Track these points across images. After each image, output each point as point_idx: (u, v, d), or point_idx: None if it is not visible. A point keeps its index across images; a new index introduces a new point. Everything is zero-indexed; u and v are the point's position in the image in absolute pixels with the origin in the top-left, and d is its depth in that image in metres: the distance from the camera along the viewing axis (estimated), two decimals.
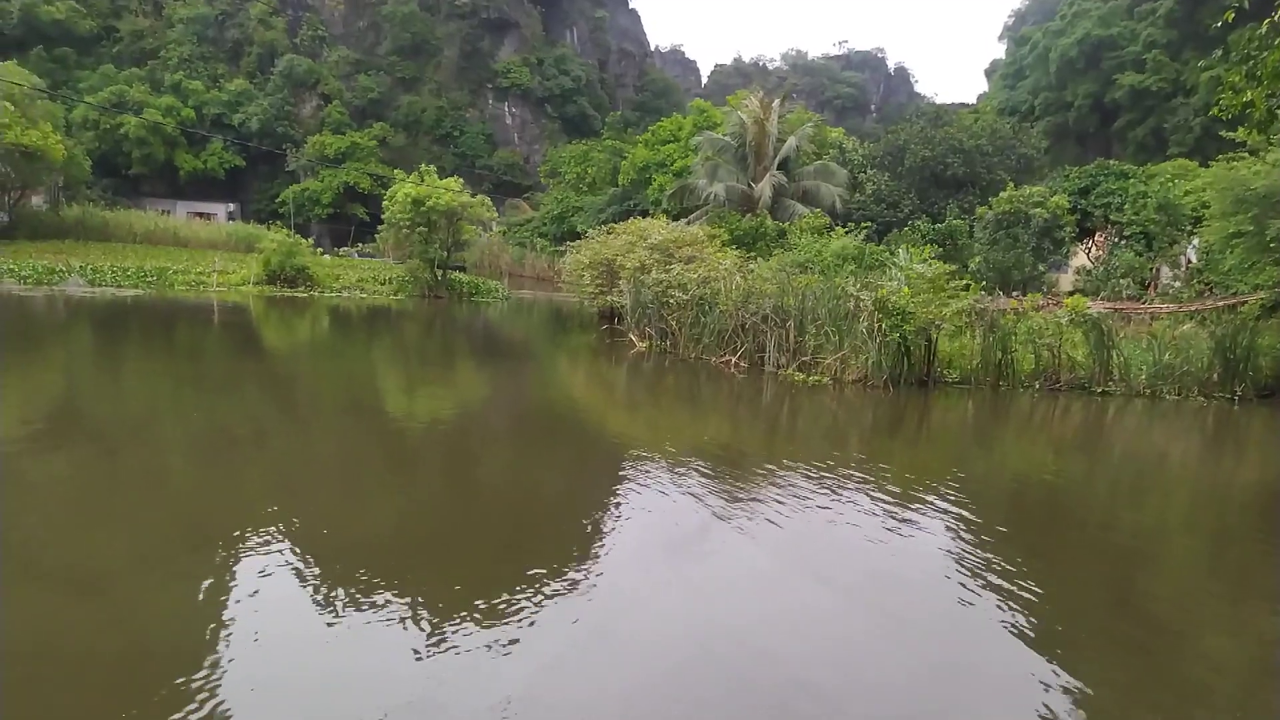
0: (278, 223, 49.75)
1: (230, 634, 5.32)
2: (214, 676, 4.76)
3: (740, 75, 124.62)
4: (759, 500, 8.67)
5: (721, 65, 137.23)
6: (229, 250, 45.90)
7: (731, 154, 40.66)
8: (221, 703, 4.48)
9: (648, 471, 9.75)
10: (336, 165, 67.58)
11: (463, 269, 43.05)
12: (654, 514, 8.20)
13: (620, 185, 54.48)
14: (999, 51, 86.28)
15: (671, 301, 21.69)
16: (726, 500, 8.63)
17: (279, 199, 68.69)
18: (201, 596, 5.86)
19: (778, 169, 38.85)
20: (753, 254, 27.60)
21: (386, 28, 77.12)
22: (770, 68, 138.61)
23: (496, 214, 47.69)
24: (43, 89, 50.26)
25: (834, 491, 9.06)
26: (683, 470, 9.80)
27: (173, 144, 66.06)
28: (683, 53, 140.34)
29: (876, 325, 16.80)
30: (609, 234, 29.25)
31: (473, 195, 37.05)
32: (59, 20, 67.22)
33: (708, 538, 7.56)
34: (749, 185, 38.87)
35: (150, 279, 32.86)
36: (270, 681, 4.82)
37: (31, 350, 17.82)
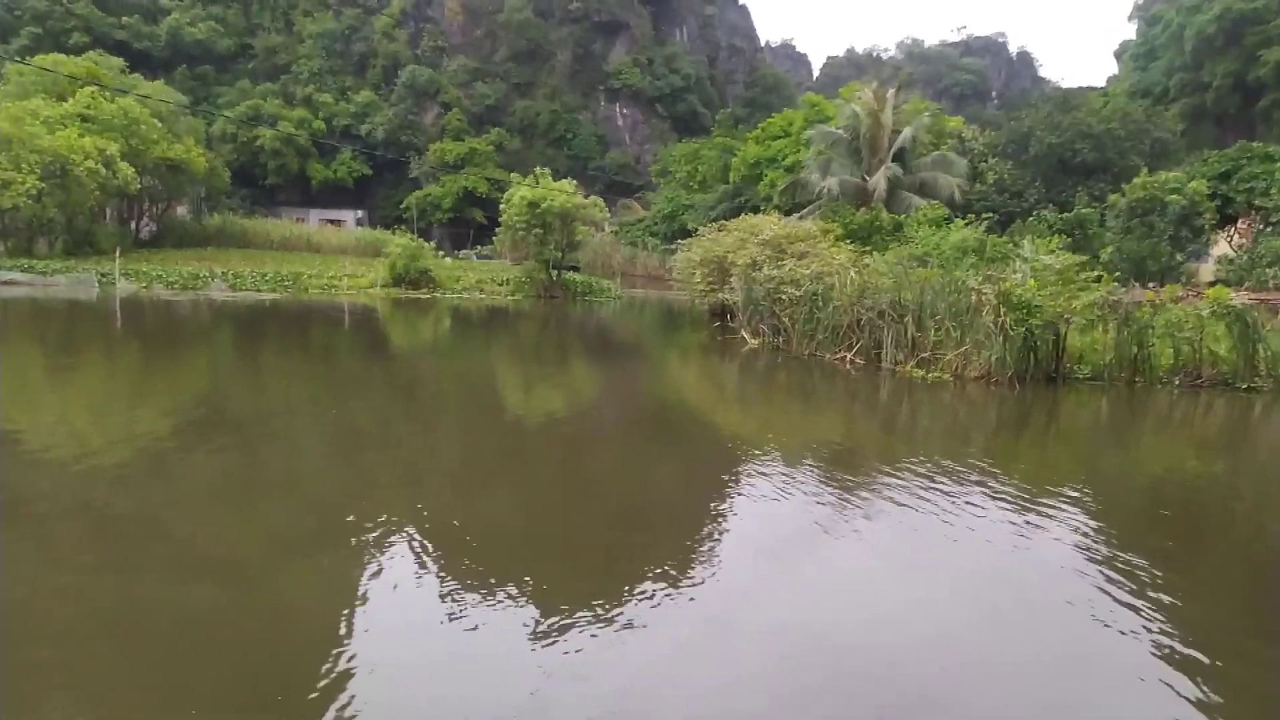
0: (402, 227, 51.72)
1: (357, 620, 5.60)
2: (340, 660, 5.03)
3: (853, 67, 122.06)
4: (874, 499, 8.52)
5: (834, 58, 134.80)
6: (358, 255, 48.04)
7: (845, 147, 39.91)
8: (347, 686, 4.72)
9: (760, 469, 9.72)
10: (456, 170, 69.78)
11: (576, 269, 43.78)
12: (766, 512, 8.18)
13: (731, 182, 54.22)
14: (1129, 32, 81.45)
15: (784, 298, 21.48)
16: (840, 499, 8.52)
17: (403, 205, 71.38)
18: (332, 583, 6.19)
19: (893, 161, 37.89)
20: (868, 248, 27.03)
21: (503, 35, 79.06)
22: (884, 58, 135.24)
23: (609, 214, 48.24)
24: (186, 105, 53.82)
25: (953, 492, 8.81)
26: (796, 468, 9.73)
27: (305, 155, 69.61)
28: (793, 47, 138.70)
29: (1001, 320, 16.19)
30: (720, 231, 29.18)
31: (586, 196, 37.63)
32: (201, 40, 71.84)
33: (821, 536, 7.48)
34: (863, 178, 38.06)
35: (286, 283, 34.73)
36: (393, 667, 5.05)
37: (179, 351, 19.17)
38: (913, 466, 9.81)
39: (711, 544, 7.30)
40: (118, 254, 35.94)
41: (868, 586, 6.50)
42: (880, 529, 7.64)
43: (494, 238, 43.14)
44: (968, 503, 8.42)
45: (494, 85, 78.31)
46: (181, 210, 52.91)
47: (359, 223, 69.03)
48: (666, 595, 6.05)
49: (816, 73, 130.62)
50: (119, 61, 51.74)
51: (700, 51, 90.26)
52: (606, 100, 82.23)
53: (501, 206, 37.09)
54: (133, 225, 47.49)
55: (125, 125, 40.96)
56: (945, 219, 31.61)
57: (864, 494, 8.75)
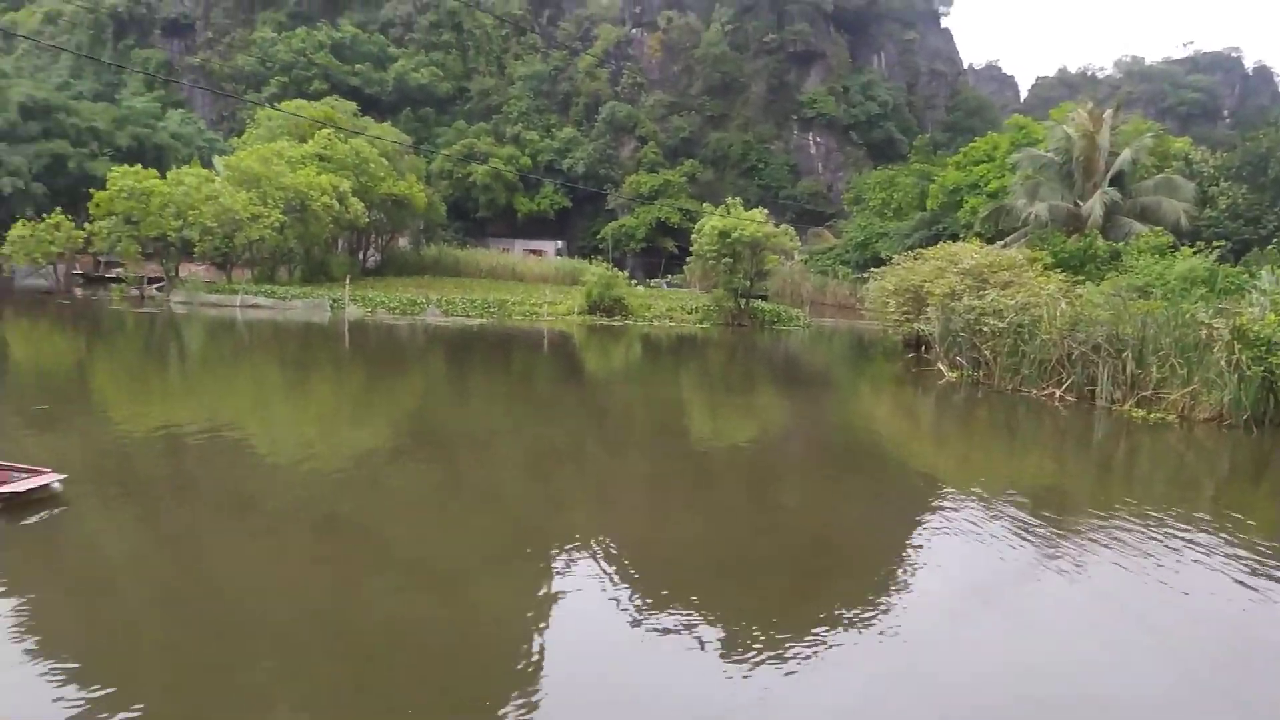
0: (598, 257, 53.67)
1: (546, 631, 5.86)
2: (530, 669, 5.27)
3: (1065, 87, 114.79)
4: (1084, 547, 7.96)
5: (1043, 78, 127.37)
6: (557, 283, 50.17)
7: (1055, 171, 37.58)
8: (535, 695, 4.94)
9: (958, 510, 9.31)
10: (650, 202, 71.53)
11: (765, 297, 43.60)
12: (964, 554, 7.83)
13: (928, 209, 52.36)
14: None
15: (985, 329, 20.47)
16: (1047, 544, 8.02)
17: (599, 235, 73.93)
18: (525, 595, 6.51)
19: (1110, 185, 35.25)
20: (1080, 277, 25.26)
21: (698, 69, 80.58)
22: (1100, 76, 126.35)
23: (799, 243, 47.83)
24: (410, 145, 58.37)
25: (1175, 543, 8.08)
26: (998, 510, 9.25)
27: (512, 189, 73.66)
28: (999, 68, 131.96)
29: (1235, 357, 14.69)
30: (916, 259, 28.24)
31: (776, 225, 37.52)
32: (423, 84, 77.86)
33: (1024, 581, 7.08)
34: (1075, 204, 35.66)
35: (492, 309, 36.80)
36: (578, 680, 5.24)
37: (397, 370, 20.77)
38: (1131, 514, 9.09)
39: (904, 582, 7.07)
40: (347, 281, 39.41)
41: (1071, 639, 6.08)
42: (1088, 578, 7.13)
43: (684, 267, 43.79)
44: (1193, 557, 7.70)
45: (689, 118, 79.87)
46: (403, 241, 57.30)
47: (559, 253, 72.09)
48: (857, 633, 5.93)
49: (1024, 94, 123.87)
50: (352, 106, 56.97)
51: (899, 77, 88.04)
52: (799, 129, 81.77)
53: (693, 236, 37.63)
54: (360, 255, 52.00)
55: (356, 164, 45.02)
56: (1170, 247, 29.06)
57: (1072, 540, 8.19)
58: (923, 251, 28.97)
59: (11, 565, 6.62)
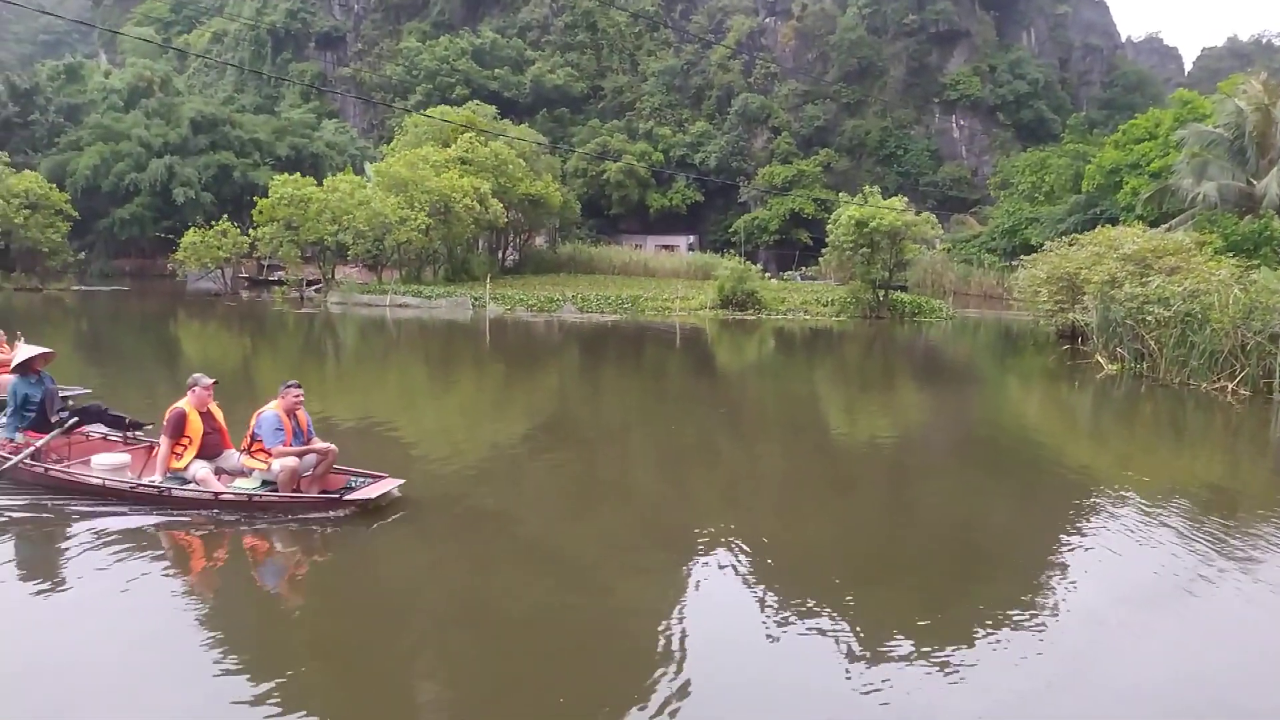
0: (730, 251, 53.30)
1: (679, 628, 5.84)
2: (670, 661, 5.27)
3: (1235, 58, 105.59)
4: (1259, 552, 7.30)
5: (1210, 49, 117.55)
6: (688, 278, 50.27)
7: (1225, 148, 34.65)
8: (677, 686, 4.93)
9: (1118, 512, 8.72)
10: (784, 193, 70.58)
11: (904, 288, 42.24)
12: (1125, 558, 7.32)
13: (1083, 192, 49.44)
14: None
15: (1149, 319, 19.12)
16: (1217, 549, 7.39)
17: (731, 229, 73.51)
18: (661, 588, 6.52)
19: None
20: (1254, 262, 23.23)
21: (834, 56, 78.81)
22: (1278, 44, 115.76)
23: (941, 231, 46.08)
24: (546, 146, 59.77)
25: None
26: (1162, 513, 8.61)
27: (645, 185, 74.23)
28: (1160, 40, 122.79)
29: None
30: (1070, 245, 26.73)
31: (916, 213, 36.29)
32: (559, 85, 79.56)
33: (1192, 589, 6.56)
34: (1248, 183, 32.79)
35: (625, 305, 37.22)
36: (717, 674, 5.20)
37: (536, 366, 21.32)
38: None
39: (1058, 587, 6.66)
40: (488, 280, 40.77)
41: (1247, 650, 5.58)
42: (1264, 586, 6.53)
43: (819, 258, 42.96)
44: None
45: (823, 106, 78.25)
46: (539, 240, 58.79)
47: (690, 248, 72.17)
48: (1008, 639, 5.64)
49: (1189, 67, 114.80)
50: (492, 109, 58.84)
51: (1050, 54, 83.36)
52: (941, 113, 78.75)
53: (828, 227, 36.86)
54: (500, 254, 53.67)
55: (496, 166, 46.45)
56: None
57: (1245, 545, 7.53)
58: (1078, 237, 27.47)
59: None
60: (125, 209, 50.49)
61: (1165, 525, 8.09)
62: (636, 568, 7.01)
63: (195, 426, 7.86)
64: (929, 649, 5.40)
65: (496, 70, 78.71)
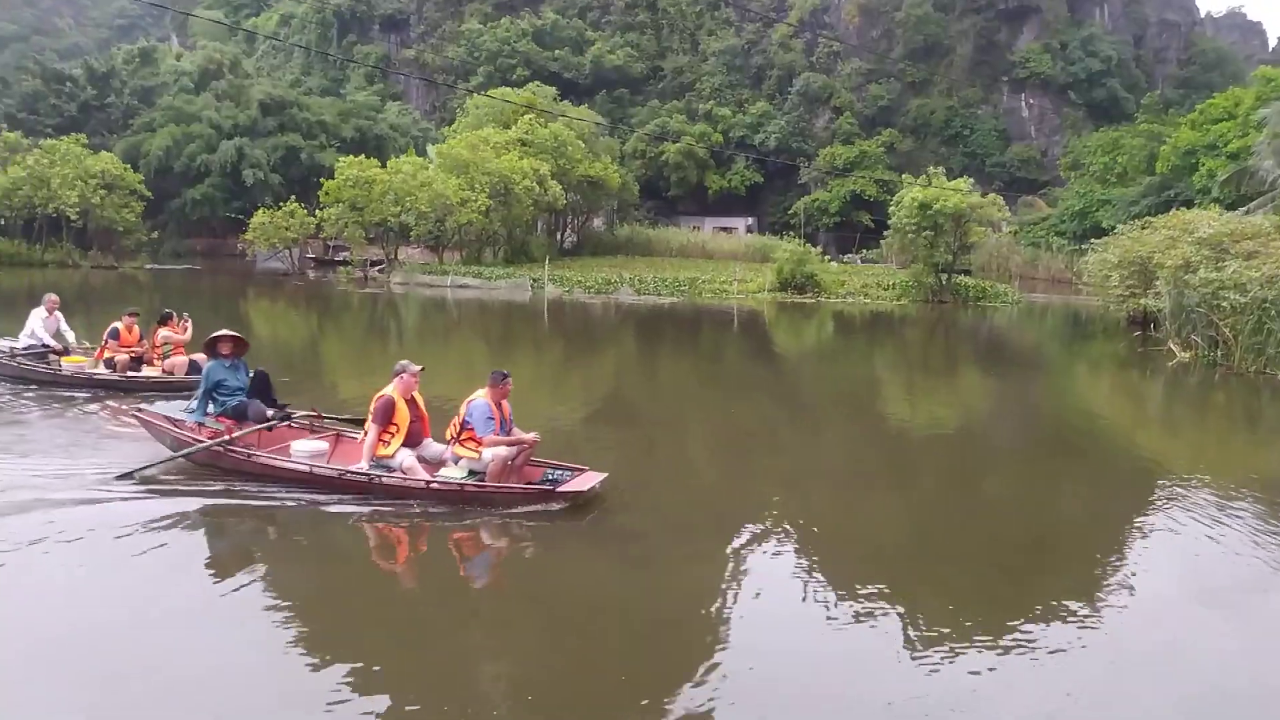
0: (789, 233, 52.74)
1: (741, 610, 5.87)
2: (718, 649, 5.29)
3: None
4: None
5: None
6: (747, 260, 49.89)
7: None
8: (722, 675, 4.94)
9: (1188, 505, 8.46)
10: (845, 174, 69.51)
11: (969, 272, 41.37)
12: (1197, 553, 7.11)
13: (1158, 174, 47.78)
14: None
15: (1225, 305, 18.45)
16: None
17: (790, 211, 72.69)
18: (718, 573, 6.54)
19: None
20: None
21: (899, 34, 77.18)
22: None
23: (1008, 213, 44.99)
24: (605, 127, 59.73)
25: None
26: (1236, 507, 8.33)
27: (703, 166, 73.74)
28: (1243, 15, 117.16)
29: None
30: (1143, 229, 25.90)
31: (983, 195, 35.47)
32: (618, 66, 79.38)
33: (1269, 588, 6.35)
34: None
35: (683, 288, 37.14)
36: (774, 661, 5.20)
37: (593, 347, 21.44)
38: None
39: (1126, 582, 6.50)
40: (546, 262, 41.02)
41: None
42: None
43: (881, 241, 42.30)
44: None
45: (887, 85, 76.74)
46: (597, 222, 58.86)
47: (748, 229, 71.59)
48: (1070, 632, 5.53)
49: (1273, 43, 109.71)
50: (552, 90, 58.94)
51: (1124, 30, 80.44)
52: (1010, 91, 76.62)
53: (890, 209, 36.25)
54: (558, 236, 53.89)
55: (555, 147, 46.58)
56: None
57: None
58: (1151, 220, 26.61)
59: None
60: (196, 189, 51.85)
61: (1239, 521, 7.84)
62: (693, 551, 7.01)
63: (402, 414, 7.71)
64: (992, 642, 5.33)
65: (557, 51, 78.80)
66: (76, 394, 11.61)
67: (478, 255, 44.15)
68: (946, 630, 5.48)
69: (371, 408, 7.70)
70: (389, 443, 7.65)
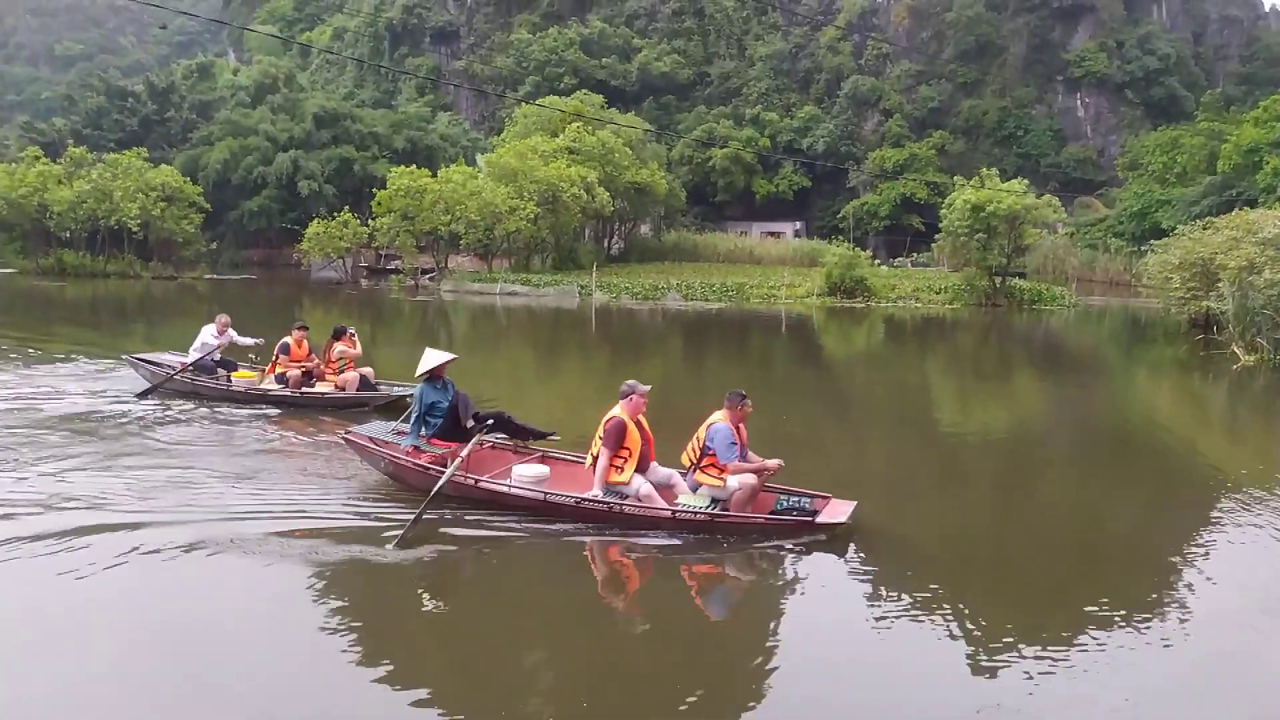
0: (838, 237, 52.40)
1: (784, 612, 5.85)
2: (772, 650, 5.28)
3: None
4: None
5: None
6: (795, 265, 49.61)
7: None
8: (777, 676, 4.93)
9: (1253, 513, 8.20)
10: (895, 178, 68.78)
11: (1023, 275, 40.65)
12: (1263, 563, 6.91)
13: (1219, 173, 46.48)
14: None
15: None
16: None
17: (839, 215, 72.10)
18: (771, 576, 6.52)
19: None
20: None
21: (950, 34, 76.22)
22: None
23: (1064, 214, 44.10)
24: (652, 133, 59.86)
25: None
26: None
27: (751, 171, 73.51)
28: None
29: None
30: (1205, 229, 25.23)
31: (1037, 196, 34.84)
32: (665, 72, 79.61)
33: None
34: None
35: (730, 293, 37.06)
36: (832, 663, 5.18)
37: (641, 353, 21.47)
38: None
39: (1189, 591, 6.32)
40: (594, 268, 41.23)
41: None
42: None
43: (932, 245, 41.75)
44: None
45: (938, 87, 75.80)
46: (644, 228, 59.04)
47: (797, 234, 71.17)
48: (1128, 639, 5.41)
49: None
50: (599, 98, 59.32)
51: (1183, 27, 78.46)
52: (1065, 91, 75.18)
53: (942, 212, 35.78)
54: (605, 243, 54.19)
55: (602, 155, 46.85)
56: None
57: None
58: (1213, 220, 25.94)
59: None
60: (253, 201, 53.22)
61: None
62: (734, 551, 6.98)
63: (634, 438, 7.27)
64: (1047, 648, 5.23)
65: (604, 59, 79.27)
66: (251, 410, 11.41)
67: (526, 263, 44.57)
68: (1002, 637, 5.40)
69: (601, 431, 7.30)
70: (622, 469, 7.24)
